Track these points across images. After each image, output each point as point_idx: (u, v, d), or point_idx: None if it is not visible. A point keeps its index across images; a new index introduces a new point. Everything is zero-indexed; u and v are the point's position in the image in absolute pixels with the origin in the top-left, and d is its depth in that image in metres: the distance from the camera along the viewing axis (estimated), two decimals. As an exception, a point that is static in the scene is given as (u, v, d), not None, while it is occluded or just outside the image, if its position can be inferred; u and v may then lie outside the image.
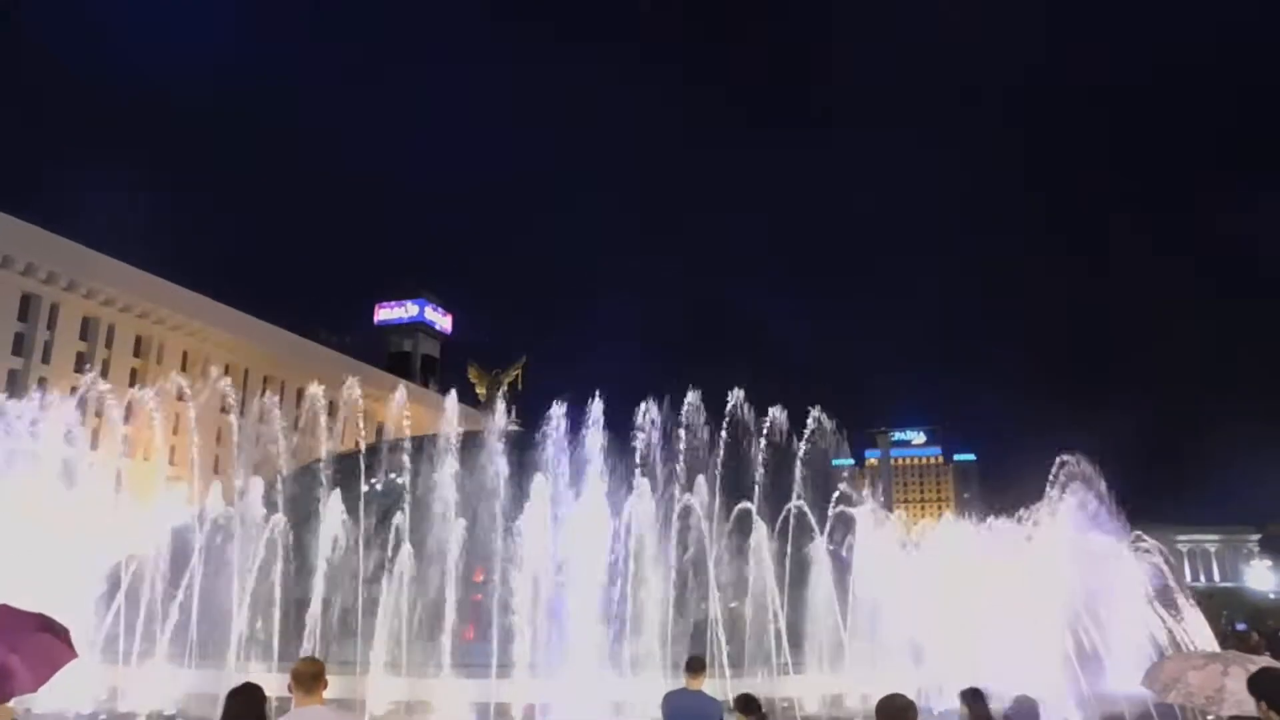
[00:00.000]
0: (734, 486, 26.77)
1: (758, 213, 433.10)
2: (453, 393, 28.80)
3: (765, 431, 26.96)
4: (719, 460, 26.71)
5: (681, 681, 9.62)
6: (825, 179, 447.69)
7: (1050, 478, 27.89)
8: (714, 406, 26.91)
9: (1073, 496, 27.45)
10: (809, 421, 27.49)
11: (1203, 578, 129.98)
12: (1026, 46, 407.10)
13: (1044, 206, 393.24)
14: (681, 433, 26.30)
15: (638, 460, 25.56)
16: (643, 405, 26.02)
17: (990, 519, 29.55)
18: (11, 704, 3.95)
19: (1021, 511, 28.45)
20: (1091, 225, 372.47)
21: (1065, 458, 27.68)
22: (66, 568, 23.19)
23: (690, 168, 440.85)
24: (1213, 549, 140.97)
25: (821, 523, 26.62)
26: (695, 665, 9.34)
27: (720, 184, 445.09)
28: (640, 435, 25.82)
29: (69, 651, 4.28)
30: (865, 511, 27.65)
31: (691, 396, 26.48)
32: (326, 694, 5.74)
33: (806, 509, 26.49)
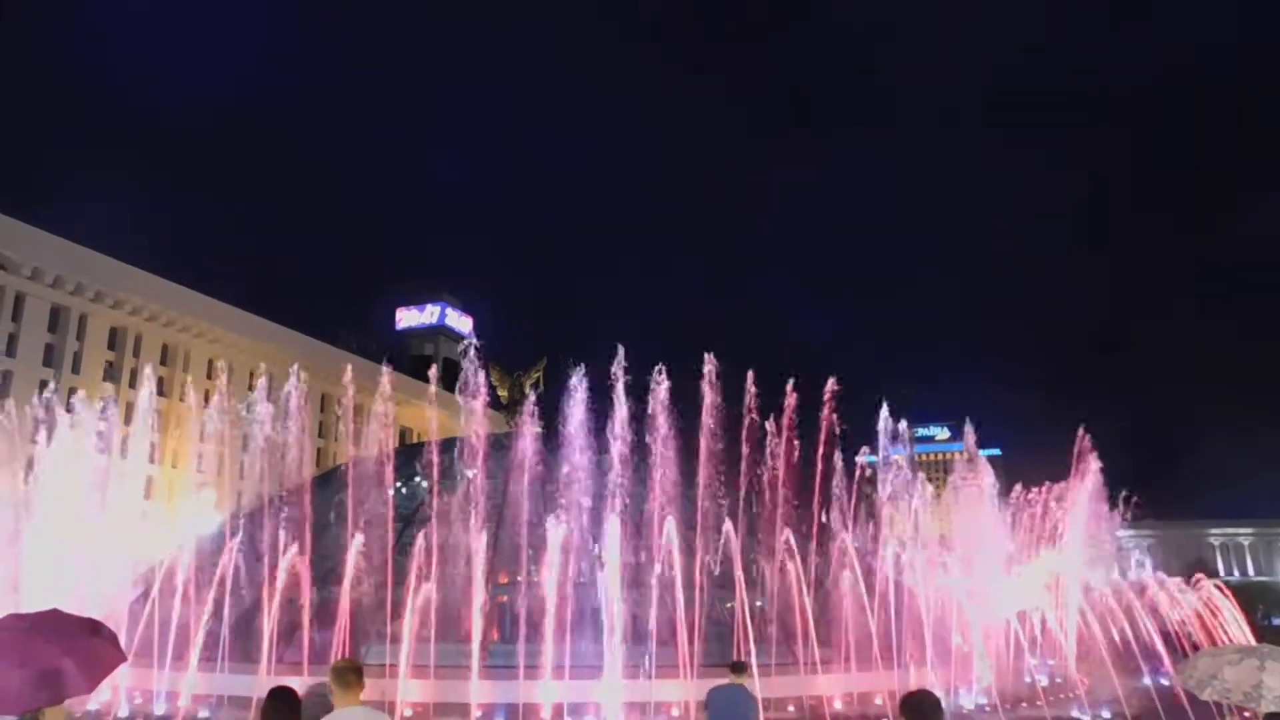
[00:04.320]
0: (758, 485, 26.70)
1: (776, 214, 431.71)
2: (479, 396, 28.89)
3: (788, 431, 26.87)
4: (743, 461, 26.67)
5: (712, 682, 10.20)
6: (837, 179, 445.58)
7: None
8: (733, 401, 26.85)
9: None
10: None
11: (1236, 572, 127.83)
12: (1035, 46, 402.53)
13: (1061, 204, 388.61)
14: (703, 436, 26.24)
15: (660, 462, 25.54)
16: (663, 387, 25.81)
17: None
18: (64, 705, 4.06)
19: None
20: (1118, 221, 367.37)
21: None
22: (100, 573, 23.63)
23: (706, 171, 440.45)
24: (1246, 543, 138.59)
25: (847, 520, 26.51)
26: (739, 668, 10.37)
27: (735, 186, 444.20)
28: (662, 438, 25.79)
29: (118, 655, 4.38)
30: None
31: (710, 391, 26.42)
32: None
33: (833, 506, 26.42)
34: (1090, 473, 29.29)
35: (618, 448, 25.06)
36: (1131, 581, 32.35)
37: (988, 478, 30.90)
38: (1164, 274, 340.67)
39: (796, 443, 26.58)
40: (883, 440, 29.54)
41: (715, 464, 26.09)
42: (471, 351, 28.40)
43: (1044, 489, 32.51)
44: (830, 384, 27.35)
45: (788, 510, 25.61)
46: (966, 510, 30.43)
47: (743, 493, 26.23)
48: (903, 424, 30.11)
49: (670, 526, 23.08)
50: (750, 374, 26.31)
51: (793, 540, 24.28)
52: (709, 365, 26.19)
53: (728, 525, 24.17)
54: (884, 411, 29.29)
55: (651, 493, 25.06)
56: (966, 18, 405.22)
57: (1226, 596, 31.34)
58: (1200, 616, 29.10)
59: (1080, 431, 29.25)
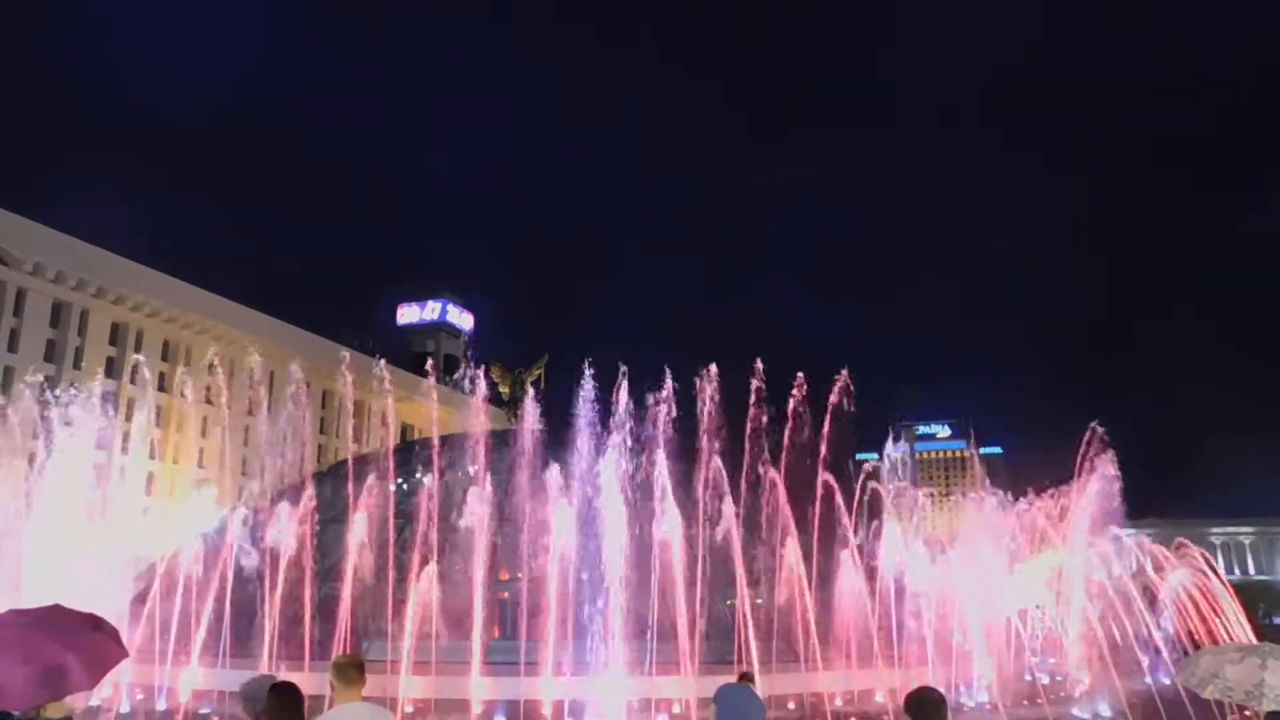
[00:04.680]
0: (759, 484, 26.70)
1: (776, 214, 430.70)
2: (481, 392, 28.98)
3: (790, 428, 26.88)
4: (744, 458, 26.68)
5: (712, 679, 10.44)
6: (837, 179, 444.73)
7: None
8: (735, 402, 26.86)
9: None
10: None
11: (1237, 571, 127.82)
12: (1035, 46, 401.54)
13: (1061, 204, 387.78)
14: (704, 433, 26.26)
15: (660, 461, 25.54)
16: (665, 390, 25.91)
17: None
18: (66, 701, 4.07)
19: None
20: (1118, 221, 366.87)
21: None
22: (101, 568, 23.67)
23: (706, 171, 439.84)
24: (1247, 542, 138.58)
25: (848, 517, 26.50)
26: (746, 678, 11.04)
27: (735, 186, 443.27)
28: (661, 437, 25.81)
29: (120, 651, 4.39)
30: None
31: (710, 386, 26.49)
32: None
33: (836, 503, 26.41)
34: (1102, 468, 29.20)
35: (619, 447, 25.06)
36: (1131, 571, 32.29)
37: (992, 482, 31.01)
38: (1164, 274, 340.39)
39: (800, 438, 26.60)
40: (887, 445, 29.61)
41: (716, 462, 26.09)
42: (472, 364, 28.61)
43: (1052, 493, 32.39)
44: (842, 375, 27.37)
45: (789, 507, 25.59)
46: (974, 512, 30.46)
47: (743, 490, 26.24)
48: (904, 436, 30.18)
49: (671, 523, 23.08)
50: (759, 363, 26.33)
51: (794, 537, 24.27)
52: (708, 368, 26.27)
53: (729, 523, 24.16)
54: (888, 417, 29.36)
55: (653, 490, 25.04)
56: (966, 18, 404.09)
57: (1217, 576, 31.30)
58: (1193, 600, 29.05)
59: (1092, 426, 29.11)
